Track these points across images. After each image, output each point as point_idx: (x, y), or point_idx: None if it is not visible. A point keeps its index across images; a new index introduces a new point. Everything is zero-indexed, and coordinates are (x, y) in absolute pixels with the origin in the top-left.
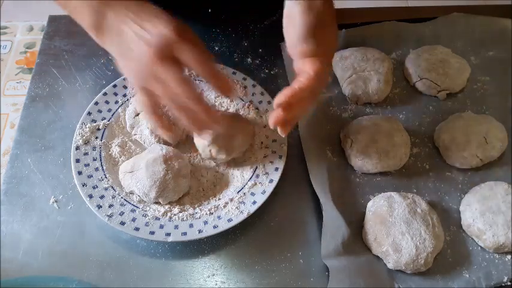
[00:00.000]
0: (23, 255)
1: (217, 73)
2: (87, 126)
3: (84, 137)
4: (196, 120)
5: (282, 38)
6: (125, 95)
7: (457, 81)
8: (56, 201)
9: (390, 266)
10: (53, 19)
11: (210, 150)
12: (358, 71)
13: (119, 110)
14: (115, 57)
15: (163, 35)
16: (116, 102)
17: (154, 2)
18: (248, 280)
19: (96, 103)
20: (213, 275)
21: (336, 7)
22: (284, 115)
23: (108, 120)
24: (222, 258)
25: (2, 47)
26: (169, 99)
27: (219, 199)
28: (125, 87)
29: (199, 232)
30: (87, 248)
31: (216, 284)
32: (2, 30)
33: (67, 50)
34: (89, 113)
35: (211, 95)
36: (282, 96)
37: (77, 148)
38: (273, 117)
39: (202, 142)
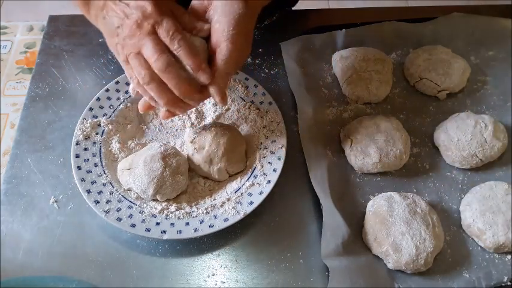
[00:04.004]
0: (23, 255)
1: (191, 50)
2: (88, 122)
3: (84, 133)
4: (165, 96)
5: (282, 38)
6: (127, 92)
7: (457, 81)
8: (56, 201)
9: (390, 266)
10: (53, 19)
11: (227, 170)
12: (358, 71)
13: (121, 106)
14: (103, 33)
15: (142, 7)
16: (118, 99)
17: None
18: (248, 280)
19: (98, 99)
20: (213, 274)
21: (336, 7)
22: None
23: (110, 117)
24: (221, 258)
25: (2, 47)
26: (144, 70)
27: (216, 198)
28: (128, 84)
29: (194, 231)
30: (87, 248)
31: (216, 284)
32: (2, 30)
33: (67, 50)
34: (91, 109)
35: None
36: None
37: (77, 143)
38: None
39: (217, 168)
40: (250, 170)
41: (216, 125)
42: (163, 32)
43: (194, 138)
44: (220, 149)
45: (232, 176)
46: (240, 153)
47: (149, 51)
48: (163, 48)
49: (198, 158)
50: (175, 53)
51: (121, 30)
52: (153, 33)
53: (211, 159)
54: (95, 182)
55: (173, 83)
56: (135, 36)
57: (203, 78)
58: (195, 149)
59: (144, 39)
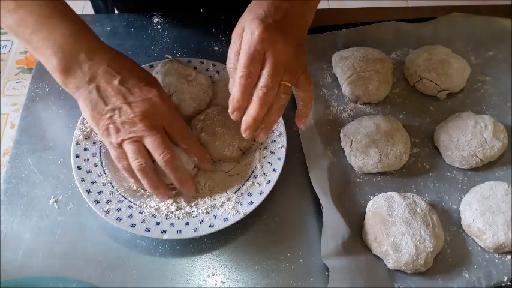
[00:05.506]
0: (23, 256)
1: (198, 146)
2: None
3: (84, 132)
4: (156, 184)
5: None
6: None
7: (457, 81)
8: (56, 201)
9: (390, 266)
10: None
11: (239, 147)
12: (358, 71)
13: None
14: (80, 103)
15: (152, 101)
16: None
17: (156, 3)
18: (248, 280)
19: None
20: (213, 274)
21: (336, 7)
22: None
23: None
24: (221, 258)
25: (2, 47)
26: (142, 159)
27: (216, 198)
28: None
29: (194, 231)
30: (87, 248)
31: (216, 284)
32: (2, 30)
33: None
34: None
35: None
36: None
37: (77, 143)
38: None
39: (231, 147)
40: (250, 170)
41: (214, 109)
42: (176, 132)
43: (203, 128)
44: (228, 128)
45: (232, 169)
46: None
47: (156, 144)
48: (169, 144)
49: (210, 143)
50: (184, 147)
51: (117, 113)
52: (161, 128)
53: (223, 141)
54: (95, 182)
55: (177, 176)
56: (138, 125)
57: (206, 166)
58: (205, 134)
59: (150, 132)
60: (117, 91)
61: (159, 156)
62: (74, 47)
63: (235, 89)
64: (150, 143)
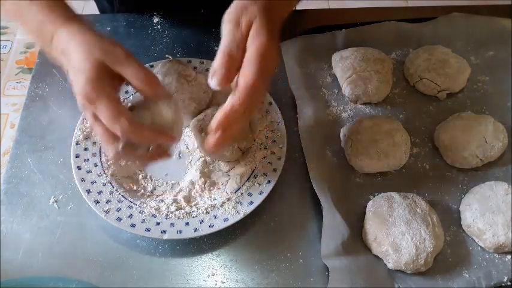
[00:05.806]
0: (23, 256)
1: (141, 71)
2: (88, 122)
3: (84, 132)
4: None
5: (282, 38)
6: (127, 92)
7: (457, 81)
8: (56, 201)
9: (390, 266)
10: None
11: (239, 147)
12: (358, 71)
13: None
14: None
15: (83, 70)
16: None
17: (156, 3)
18: (248, 280)
19: None
20: (213, 274)
21: (336, 7)
22: (219, 138)
23: None
24: (221, 258)
25: (2, 47)
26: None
27: (216, 198)
28: (127, 84)
29: (194, 231)
30: (87, 248)
31: (216, 284)
32: (2, 30)
33: None
34: None
35: None
36: (215, 121)
37: (77, 143)
38: (209, 143)
39: (231, 148)
40: (250, 170)
41: (214, 109)
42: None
43: (203, 128)
44: None
45: (232, 169)
46: (245, 128)
47: (106, 118)
48: (117, 112)
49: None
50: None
51: (78, 82)
52: (110, 90)
53: None
54: (95, 182)
55: (145, 137)
56: (86, 97)
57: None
58: (205, 134)
59: (96, 104)
60: (64, 59)
61: (116, 128)
62: (44, 33)
63: (222, 69)
64: (101, 116)
